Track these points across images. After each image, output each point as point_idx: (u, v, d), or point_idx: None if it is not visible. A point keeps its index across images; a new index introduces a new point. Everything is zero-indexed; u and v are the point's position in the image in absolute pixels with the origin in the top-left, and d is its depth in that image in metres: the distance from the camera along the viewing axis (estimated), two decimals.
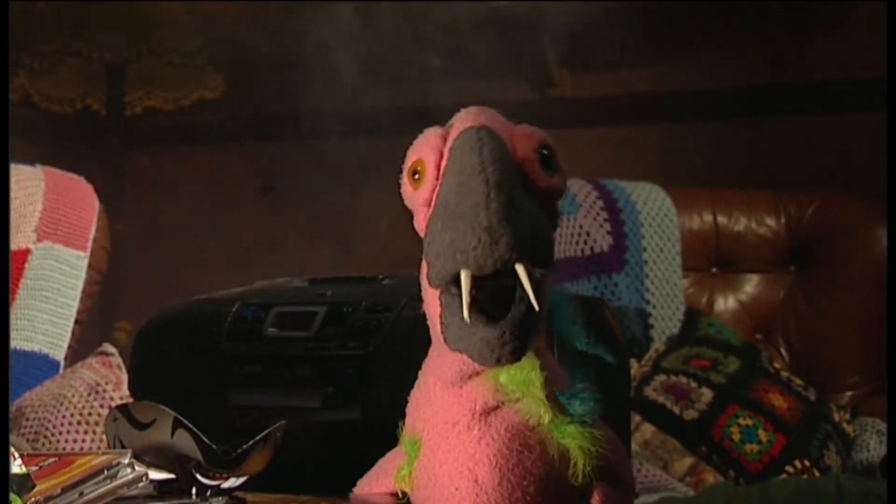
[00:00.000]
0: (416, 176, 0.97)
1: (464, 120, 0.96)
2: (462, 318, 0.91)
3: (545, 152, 0.96)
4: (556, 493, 0.95)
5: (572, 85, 3.25)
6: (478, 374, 0.96)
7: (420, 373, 1.01)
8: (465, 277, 0.90)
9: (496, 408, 0.96)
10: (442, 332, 0.94)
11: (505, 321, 0.91)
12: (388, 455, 1.04)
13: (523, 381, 0.95)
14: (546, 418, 0.95)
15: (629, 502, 1.00)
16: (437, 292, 0.94)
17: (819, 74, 2.98)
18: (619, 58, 3.10)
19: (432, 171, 0.96)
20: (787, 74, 3.02)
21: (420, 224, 0.97)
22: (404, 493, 1.01)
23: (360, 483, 1.05)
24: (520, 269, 0.90)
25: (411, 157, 0.98)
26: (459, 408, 0.96)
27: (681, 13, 2.95)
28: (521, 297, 0.91)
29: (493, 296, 0.91)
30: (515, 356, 0.92)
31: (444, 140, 0.96)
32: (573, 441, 0.95)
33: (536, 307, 0.91)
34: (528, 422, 0.95)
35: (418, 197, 0.97)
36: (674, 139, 3.14)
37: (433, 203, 0.95)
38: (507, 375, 0.95)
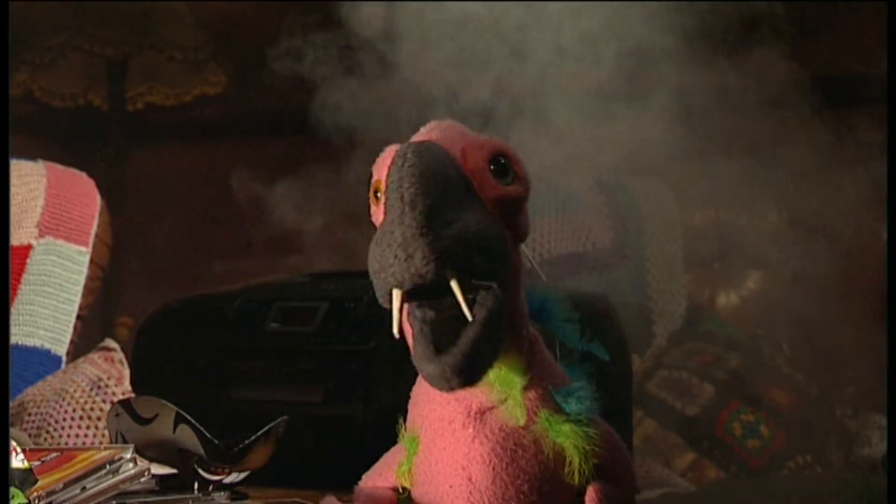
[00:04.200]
0: (378, 195, 0.97)
1: (415, 137, 0.97)
2: (418, 347, 0.91)
3: (501, 160, 0.96)
4: (551, 492, 0.95)
5: (573, 79, 3.25)
6: None
7: None
8: (395, 296, 0.90)
9: (491, 408, 0.96)
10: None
11: (448, 357, 0.90)
12: (392, 450, 1.04)
13: (507, 381, 0.95)
14: (521, 421, 0.95)
15: (630, 500, 1.00)
16: (405, 314, 0.94)
17: (820, 69, 2.98)
18: (622, 51, 3.09)
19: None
20: (788, 68, 3.01)
21: None
22: (405, 488, 1.02)
23: (364, 477, 1.06)
24: (453, 282, 0.89)
25: (373, 177, 0.98)
26: (456, 406, 0.97)
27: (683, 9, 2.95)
28: (472, 321, 0.90)
29: (451, 318, 0.91)
30: (465, 384, 0.92)
31: None
32: (568, 440, 0.95)
33: (469, 318, 0.90)
34: (510, 424, 0.95)
35: (378, 216, 0.97)
36: (675, 134, 3.13)
37: None
38: (496, 374, 0.95)
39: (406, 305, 0.92)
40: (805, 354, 2.52)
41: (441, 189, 0.91)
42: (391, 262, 0.89)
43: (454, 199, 0.91)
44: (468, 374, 0.91)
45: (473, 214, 0.92)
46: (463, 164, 0.94)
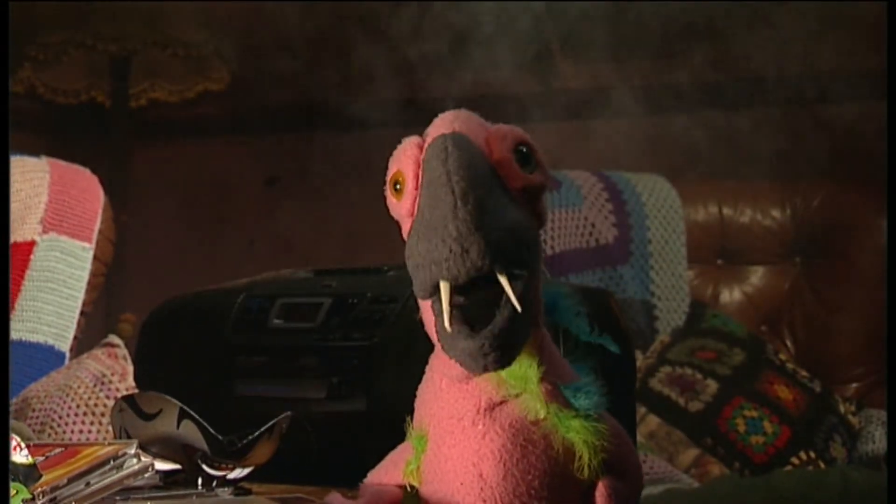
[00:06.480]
0: (398, 187, 0.97)
1: (437, 128, 0.96)
2: (454, 327, 0.92)
3: (523, 150, 0.96)
4: (560, 487, 0.95)
5: (577, 76, 3.25)
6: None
7: (427, 368, 1.01)
8: (443, 288, 0.91)
9: (501, 403, 0.96)
10: (437, 339, 0.95)
11: (486, 331, 0.91)
12: (398, 448, 1.04)
13: (521, 376, 0.95)
14: (542, 413, 0.95)
15: (636, 495, 1.00)
16: (429, 301, 0.94)
17: (823, 65, 2.97)
18: (624, 49, 3.09)
19: (412, 182, 0.96)
20: (791, 65, 3.01)
21: (406, 235, 0.97)
22: (413, 487, 1.01)
23: (370, 474, 1.06)
24: (501, 275, 0.90)
25: (392, 169, 0.98)
26: (465, 403, 0.97)
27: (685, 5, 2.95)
28: (505, 302, 0.92)
29: (481, 301, 0.92)
30: (500, 364, 0.93)
31: (421, 149, 0.96)
32: (577, 435, 0.96)
33: (519, 309, 0.91)
34: (529, 417, 0.96)
35: (401, 209, 0.97)
36: (679, 131, 3.13)
37: (414, 215, 0.95)
38: (507, 370, 0.95)
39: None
40: (808, 351, 2.52)
41: (483, 181, 0.92)
42: (446, 255, 0.89)
43: (491, 191, 0.93)
44: (506, 350, 0.92)
45: (507, 206, 0.93)
46: (489, 155, 0.95)
